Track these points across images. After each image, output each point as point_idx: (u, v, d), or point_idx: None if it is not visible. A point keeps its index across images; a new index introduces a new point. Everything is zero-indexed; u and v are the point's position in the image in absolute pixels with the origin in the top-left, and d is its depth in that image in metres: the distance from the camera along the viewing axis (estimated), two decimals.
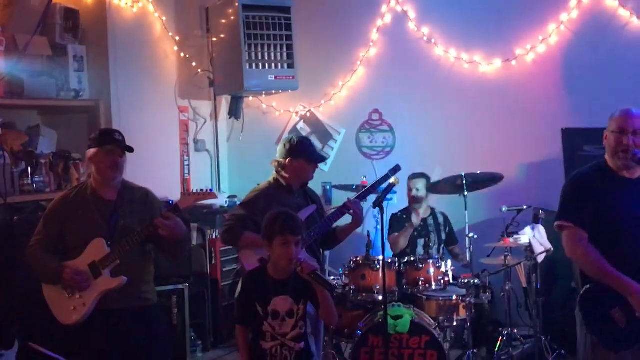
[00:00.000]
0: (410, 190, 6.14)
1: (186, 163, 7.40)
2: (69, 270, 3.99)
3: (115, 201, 4.12)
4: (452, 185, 5.72)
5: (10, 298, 5.19)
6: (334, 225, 4.63)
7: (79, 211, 4.09)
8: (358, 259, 5.39)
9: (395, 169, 4.64)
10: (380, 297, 5.13)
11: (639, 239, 3.53)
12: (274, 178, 4.58)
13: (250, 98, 7.64)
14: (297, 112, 7.55)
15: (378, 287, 5.22)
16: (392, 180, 4.55)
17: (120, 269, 4.01)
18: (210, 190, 4.16)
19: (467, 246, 5.43)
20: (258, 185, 4.75)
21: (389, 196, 5.12)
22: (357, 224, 4.56)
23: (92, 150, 4.12)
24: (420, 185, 6.11)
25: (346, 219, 4.62)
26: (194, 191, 4.14)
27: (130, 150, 4.17)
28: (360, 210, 4.50)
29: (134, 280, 4.06)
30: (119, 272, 4.01)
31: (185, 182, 7.36)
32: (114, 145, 4.09)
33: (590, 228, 3.57)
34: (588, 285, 3.56)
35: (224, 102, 7.76)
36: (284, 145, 4.57)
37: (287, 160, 4.51)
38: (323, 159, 4.75)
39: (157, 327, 4.24)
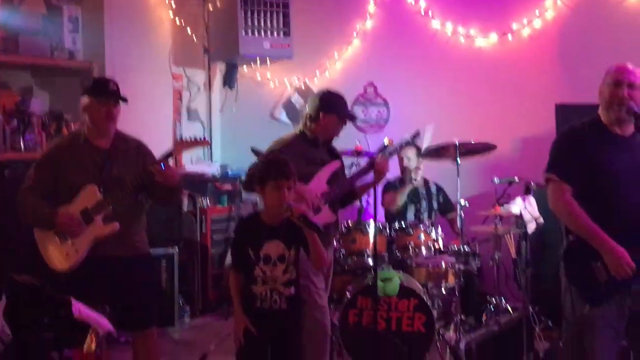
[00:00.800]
0: (401, 160, 6.14)
1: (179, 131, 7.38)
2: (63, 214, 3.98)
3: (109, 149, 4.12)
4: (444, 152, 5.71)
5: (2, 252, 5.19)
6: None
7: (72, 158, 4.08)
8: (349, 223, 5.39)
9: (415, 135, 4.62)
10: (371, 261, 5.13)
11: (628, 196, 3.52)
12: (300, 130, 4.47)
13: (245, 68, 7.62)
14: (291, 84, 7.53)
15: (368, 252, 5.22)
16: (385, 141, 4.53)
17: (113, 217, 4.02)
18: (204, 138, 4.17)
19: (458, 213, 5.43)
20: (282, 137, 4.65)
21: None
22: (378, 181, 4.46)
23: (85, 100, 4.11)
24: (410, 154, 6.10)
25: None
26: (188, 139, 4.14)
27: (125, 100, 4.16)
28: (386, 169, 4.42)
29: (127, 229, 4.07)
30: (111, 220, 4.02)
31: None
32: (108, 96, 4.09)
33: (579, 183, 3.56)
34: (572, 237, 3.56)
35: (219, 72, 7.74)
36: (319, 98, 4.44)
37: (320, 114, 4.40)
38: (354, 118, 4.63)
39: (148, 276, 4.30)
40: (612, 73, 3.58)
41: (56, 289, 3.12)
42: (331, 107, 4.40)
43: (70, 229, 3.98)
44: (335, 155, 4.53)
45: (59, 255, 4.04)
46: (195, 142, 4.14)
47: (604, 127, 3.60)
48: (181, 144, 4.15)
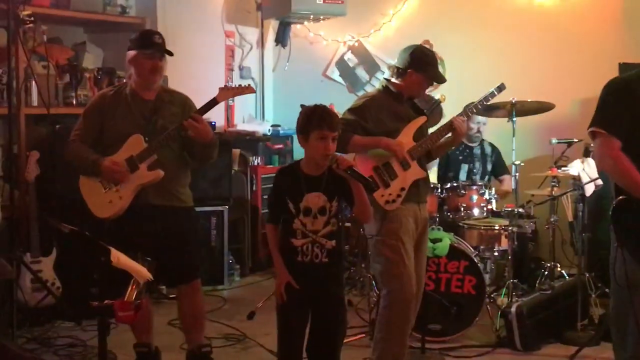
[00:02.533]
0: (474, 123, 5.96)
1: None
2: (108, 160, 4.00)
3: (154, 101, 4.11)
4: (500, 110, 5.54)
5: (50, 206, 5.24)
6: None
7: (118, 108, 4.08)
8: None
9: (501, 87, 4.45)
10: None
11: None
12: (382, 85, 4.27)
13: (298, 26, 7.53)
14: (344, 42, 7.42)
15: None
16: (438, 96, 4.40)
17: (158, 166, 4.00)
18: (248, 85, 4.12)
19: (513, 173, 5.28)
20: (365, 92, 4.48)
21: None
22: (457, 141, 4.34)
23: (131, 53, 4.09)
24: (486, 120, 5.97)
25: None
26: (232, 85, 4.11)
27: (170, 53, 4.13)
28: (464, 128, 4.24)
29: (171, 179, 4.05)
30: (156, 168, 4.01)
31: (229, 108, 7.32)
32: (154, 49, 4.06)
33: (627, 136, 3.34)
34: (623, 196, 3.37)
35: (271, 30, 7.68)
36: (411, 53, 4.17)
37: (409, 70, 4.15)
38: (443, 80, 4.39)
39: (191, 228, 4.25)
40: None
41: (97, 236, 3.10)
42: (421, 65, 4.16)
43: (115, 175, 3.99)
44: (420, 111, 4.34)
45: (103, 202, 4.05)
46: (239, 89, 4.08)
47: None
48: (225, 91, 4.09)
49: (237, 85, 4.10)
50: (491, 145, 6.17)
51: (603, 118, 3.34)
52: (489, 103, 4.44)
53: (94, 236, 2.93)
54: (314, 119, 3.35)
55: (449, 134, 4.21)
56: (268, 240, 3.51)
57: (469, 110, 4.32)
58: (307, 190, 3.38)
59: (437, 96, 4.43)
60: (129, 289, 2.96)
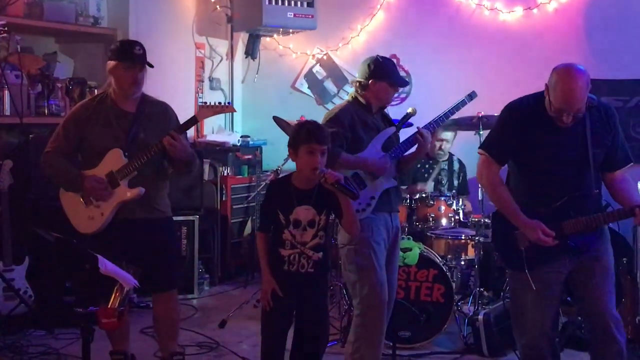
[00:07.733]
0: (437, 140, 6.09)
1: (200, 100, 7.38)
2: (90, 179, 4.01)
3: (135, 113, 4.12)
4: (467, 124, 5.68)
5: (24, 215, 5.25)
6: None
7: (98, 120, 4.09)
8: None
9: (472, 95, 4.56)
10: None
11: (562, 179, 3.60)
12: (352, 97, 4.35)
13: (268, 39, 7.62)
14: (313, 55, 7.51)
15: None
16: (409, 110, 4.51)
17: (137, 181, 4.04)
18: (229, 103, 4.15)
19: (479, 186, 5.41)
20: (334, 104, 4.48)
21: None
22: (421, 154, 4.40)
23: (111, 63, 4.09)
24: (449, 136, 6.11)
25: None
26: (213, 104, 4.13)
27: (151, 65, 4.15)
28: (429, 141, 4.31)
29: (151, 193, 4.09)
30: (136, 184, 4.04)
31: None
32: (134, 61, 4.07)
33: (511, 160, 3.73)
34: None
35: (241, 42, 7.75)
36: (368, 65, 4.26)
37: (370, 81, 4.24)
38: (405, 83, 4.43)
39: (170, 239, 4.32)
40: (557, 96, 3.48)
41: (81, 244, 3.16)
42: (382, 73, 4.25)
43: (97, 192, 4.00)
44: (389, 121, 4.42)
45: (84, 218, 4.07)
46: (220, 108, 4.09)
47: (546, 113, 3.59)
48: (206, 110, 4.11)
49: (217, 104, 4.10)
50: (460, 162, 6.31)
51: (488, 142, 3.79)
52: (459, 110, 4.56)
53: (80, 244, 2.99)
54: (302, 133, 3.43)
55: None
56: (257, 247, 3.61)
57: (440, 120, 4.44)
58: (297, 204, 3.48)
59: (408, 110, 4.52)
60: (113, 295, 3.02)
